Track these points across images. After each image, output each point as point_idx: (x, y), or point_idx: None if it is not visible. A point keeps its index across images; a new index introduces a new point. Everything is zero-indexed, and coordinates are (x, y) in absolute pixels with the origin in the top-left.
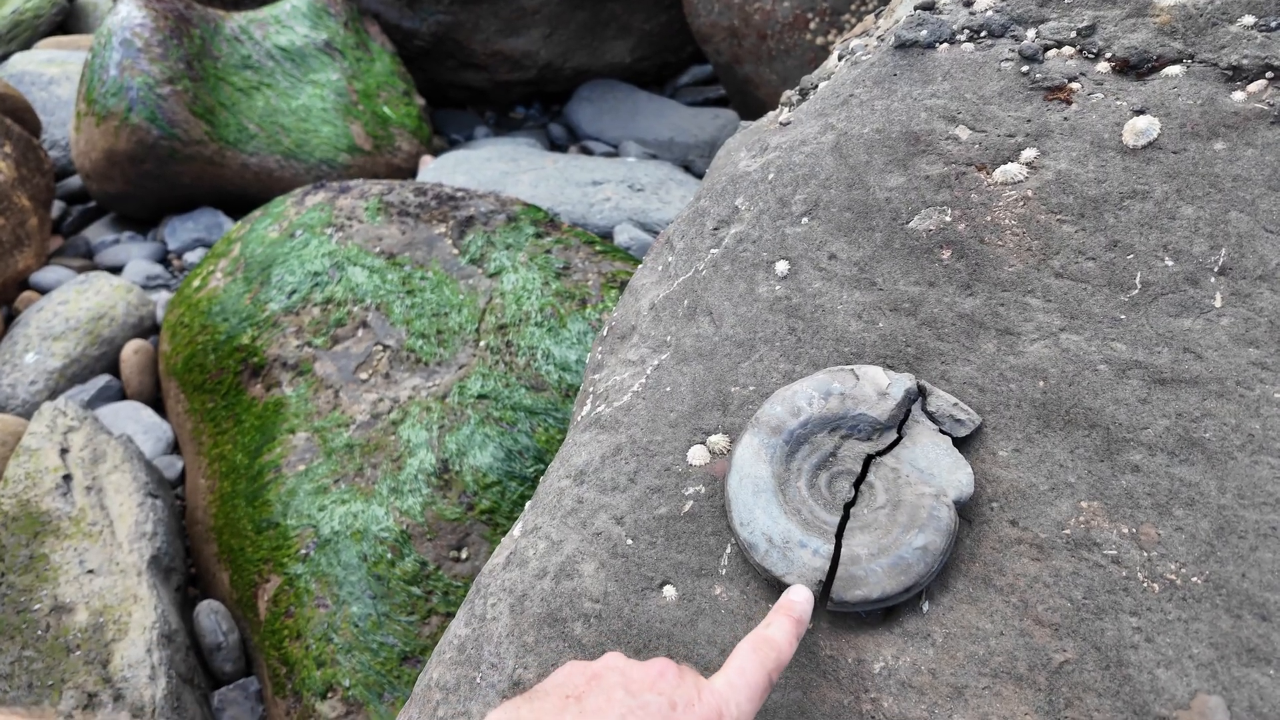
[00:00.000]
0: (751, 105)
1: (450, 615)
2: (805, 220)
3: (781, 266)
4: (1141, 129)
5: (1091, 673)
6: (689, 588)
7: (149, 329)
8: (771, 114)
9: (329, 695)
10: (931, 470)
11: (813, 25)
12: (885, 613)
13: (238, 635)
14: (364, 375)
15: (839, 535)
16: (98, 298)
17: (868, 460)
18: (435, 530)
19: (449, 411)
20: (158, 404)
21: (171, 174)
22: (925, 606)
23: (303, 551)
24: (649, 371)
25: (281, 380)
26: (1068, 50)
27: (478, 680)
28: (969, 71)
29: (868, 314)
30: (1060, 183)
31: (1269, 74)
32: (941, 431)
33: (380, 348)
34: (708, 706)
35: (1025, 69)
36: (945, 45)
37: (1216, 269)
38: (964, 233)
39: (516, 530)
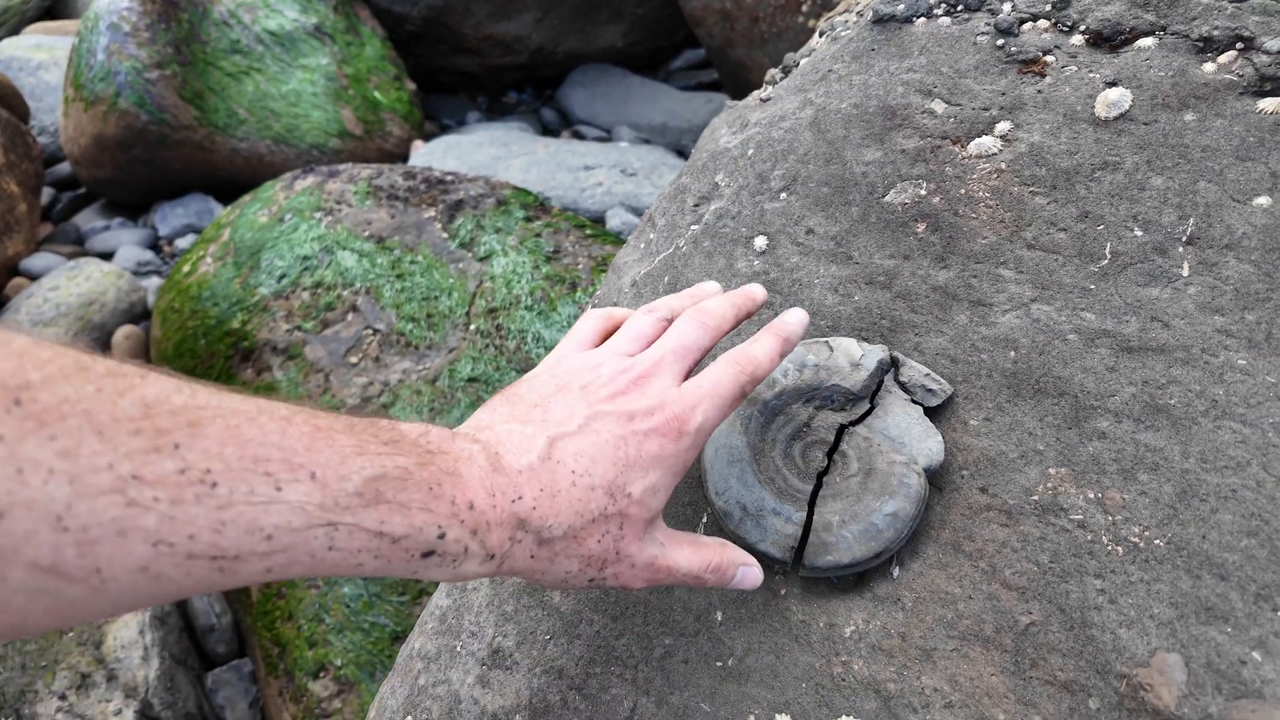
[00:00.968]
0: (744, 89)
1: None
2: (784, 195)
3: (760, 242)
4: (1113, 100)
5: (1056, 634)
6: None
7: (140, 315)
8: (756, 92)
9: (321, 675)
10: (903, 439)
11: (805, 8)
12: (856, 578)
13: (230, 617)
14: (354, 359)
15: (811, 504)
16: (88, 284)
17: (841, 430)
18: None
19: (439, 395)
20: None
21: (161, 159)
22: (895, 572)
23: None
24: None
25: (272, 364)
26: (1043, 24)
27: (458, 649)
28: (945, 45)
29: (844, 287)
30: (1033, 155)
31: (1239, 45)
32: (914, 401)
33: (370, 331)
34: (668, 415)
35: (1000, 42)
36: (922, 19)
37: (1185, 239)
38: (939, 206)
39: None
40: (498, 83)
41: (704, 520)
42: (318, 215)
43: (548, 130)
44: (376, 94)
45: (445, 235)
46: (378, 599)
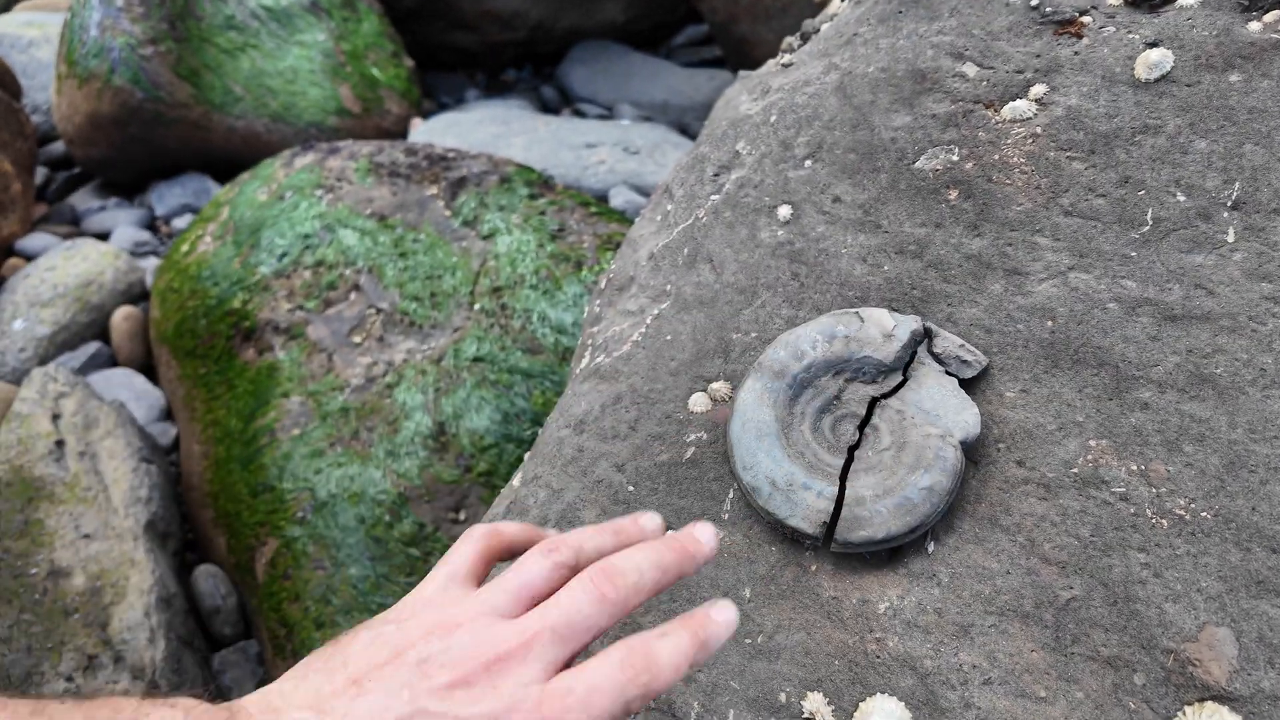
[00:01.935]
0: (748, 65)
1: None
2: (808, 163)
3: (784, 211)
4: (1154, 61)
5: (1099, 609)
6: None
7: (138, 295)
8: (772, 61)
9: None
10: (937, 412)
11: None
12: (890, 554)
13: (236, 598)
14: (357, 339)
15: (843, 478)
16: (85, 264)
17: (872, 403)
18: (433, 492)
19: (444, 375)
20: (149, 371)
21: (157, 138)
22: (931, 547)
23: (299, 514)
24: (649, 321)
25: (274, 344)
26: None
27: None
28: (976, 6)
29: (872, 257)
30: (1070, 119)
31: None
32: (948, 373)
33: (373, 311)
34: None
35: (1034, 2)
36: None
37: (1230, 204)
38: (971, 172)
39: (516, 480)
40: (496, 60)
41: (730, 496)
42: (318, 193)
43: (547, 108)
44: (374, 71)
45: (448, 213)
46: (385, 580)
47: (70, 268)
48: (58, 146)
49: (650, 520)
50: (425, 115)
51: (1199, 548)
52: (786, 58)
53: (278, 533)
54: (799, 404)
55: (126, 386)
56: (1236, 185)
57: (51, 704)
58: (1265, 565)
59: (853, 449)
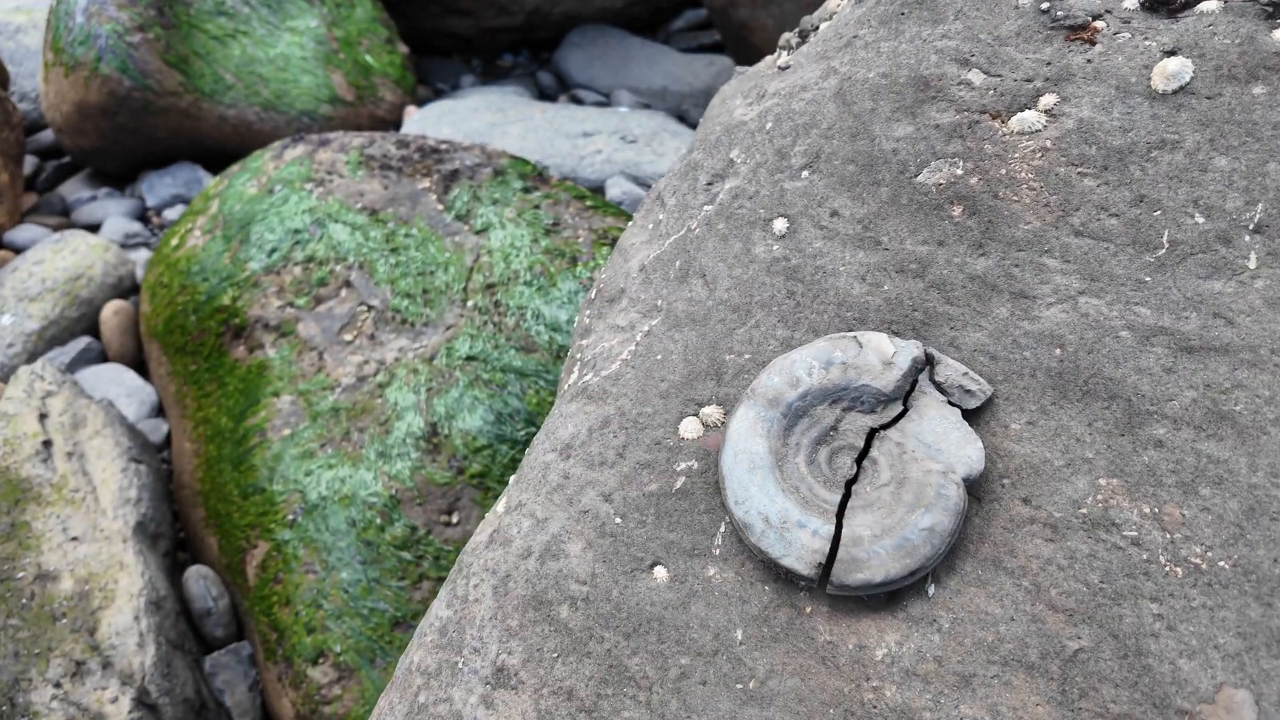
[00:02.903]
0: (748, 51)
1: (442, 580)
2: (805, 174)
3: (780, 224)
4: (1173, 72)
5: (1108, 662)
6: (681, 569)
7: (129, 289)
8: (769, 58)
9: (320, 661)
10: (939, 445)
11: None
12: (888, 597)
13: (228, 600)
14: (348, 337)
15: (840, 515)
16: (74, 257)
17: (871, 434)
18: (425, 495)
19: (437, 374)
20: (140, 366)
21: (146, 127)
22: (931, 590)
23: (290, 517)
24: (639, 338)
25: (264, 342)
26: None
27: (460, 665)
28: (983, 9)
29: (872, 276)
30: (1082, 132)
31: None
32: (950, 403)
33: (364, 308)
34: None
35: (1045, 6)
36: None
37: (1252, 226)
38: (976, 187)
39: (500, 506)
40: (492, 45)
41: (721, 530)
42: (308, 186)
43: (544, 94)
44: (368, 58)
45: (440, 207)
46: (377, 584)
47: (59, 261)
48: (46, 135)
49: None
50: (420, 102)
51: (1216, 600)
52: (784, 58)
53: (268, 536)
54: (794, 434)
55: (117, 382)
56: (1259, 207)
57: None
58: None
59: (850, 484)
